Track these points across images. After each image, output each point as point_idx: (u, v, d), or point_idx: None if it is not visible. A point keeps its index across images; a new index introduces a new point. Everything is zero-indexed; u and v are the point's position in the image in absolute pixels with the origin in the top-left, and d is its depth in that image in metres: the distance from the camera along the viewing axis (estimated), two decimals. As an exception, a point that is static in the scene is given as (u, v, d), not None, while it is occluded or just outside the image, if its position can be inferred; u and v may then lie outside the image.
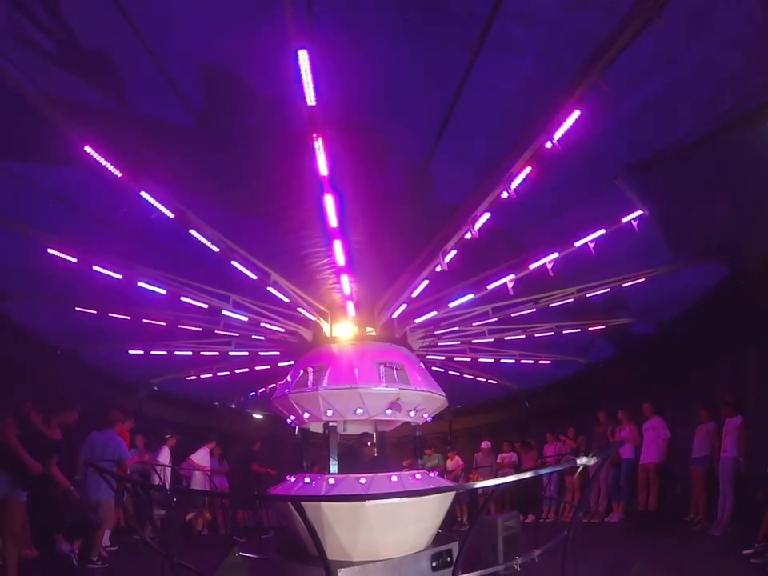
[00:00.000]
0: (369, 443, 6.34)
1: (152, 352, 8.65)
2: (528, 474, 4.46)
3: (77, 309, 7.15)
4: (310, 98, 3.66)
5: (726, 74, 4.02)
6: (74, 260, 5.71)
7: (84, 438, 7.72)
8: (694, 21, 3.58)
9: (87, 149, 4.25)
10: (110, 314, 7.31)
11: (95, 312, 7.22)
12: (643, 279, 6.89)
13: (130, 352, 8.72)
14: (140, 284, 6.24)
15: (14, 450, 5.19)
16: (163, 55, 3.69)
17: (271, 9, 3.28)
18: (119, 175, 4.52)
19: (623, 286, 7.04)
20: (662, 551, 6.76)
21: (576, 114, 4.08)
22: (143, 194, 4.81)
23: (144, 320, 7.51)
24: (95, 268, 5.89)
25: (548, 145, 4.31)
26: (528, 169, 4.58)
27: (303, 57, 3.43)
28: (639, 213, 5.41)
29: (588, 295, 7.17)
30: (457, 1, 3.48)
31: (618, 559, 6.43)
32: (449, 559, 5.61)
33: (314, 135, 3.99)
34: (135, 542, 8.73)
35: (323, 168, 4.26)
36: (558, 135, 4.24)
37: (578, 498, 9.66)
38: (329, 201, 4.58)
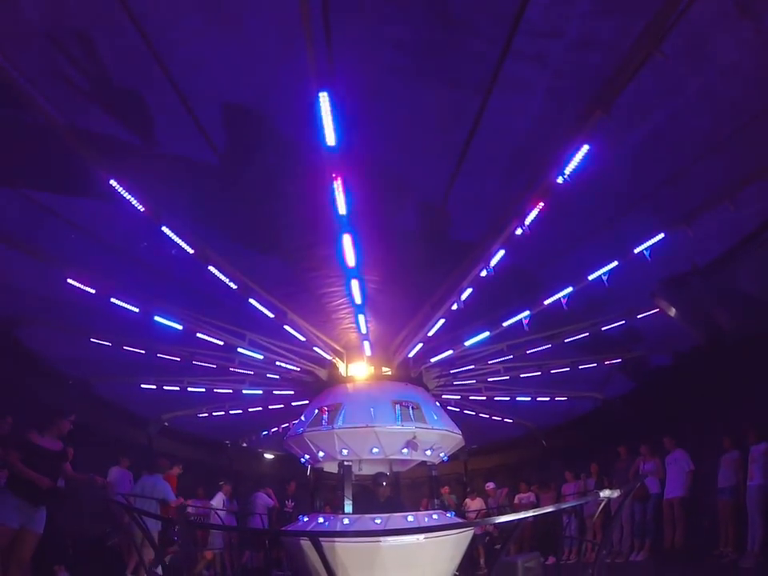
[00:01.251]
0: (384, 483, 6.24)
1: (165, 387, 8.66)
2: (549, 509, 4.37)
3: (92, 339, 7.19)
4: (330, 139, 3.75)
5: (726, 101, 4.10)
6: (93, 291, 5.80)
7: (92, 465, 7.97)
8: (692, 52, 3.68)
9: (113, 182, 4.37)
10: (124, 347, 7.35)
11: (110, 344, 7.27)
12: (658, 310, 6.83)
13: (143, 386, 8.73)
14: (156, 318, 6.28)
15: (21, 472, 5.19)
16: (190, 95, 3.85)
17: (293, 52, 3.41)
18: (142, 209, 4.63)
19: (638, 317, 6.98)
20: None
21: (585, 148, 4.14)
22: (164, 228, 4.91)
23: (158, 354, 7.54)
24: (113, 300, 5.96)
25: (559, 180, 4.36)
26: (541, 205, 4.63)
27: (324, 99, 3.54)
28: (651, 242, 5.41)
29: (603, 329, 7.11)
30: (469, 44, 3.59)
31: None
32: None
33: (333, 175, 4.09)
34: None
35: (342, 207, 4.33)
36: (568, 170, 4.30)
37: (599, 537, 9.38)
38: (347, 240, 4.64)
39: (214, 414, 9.86)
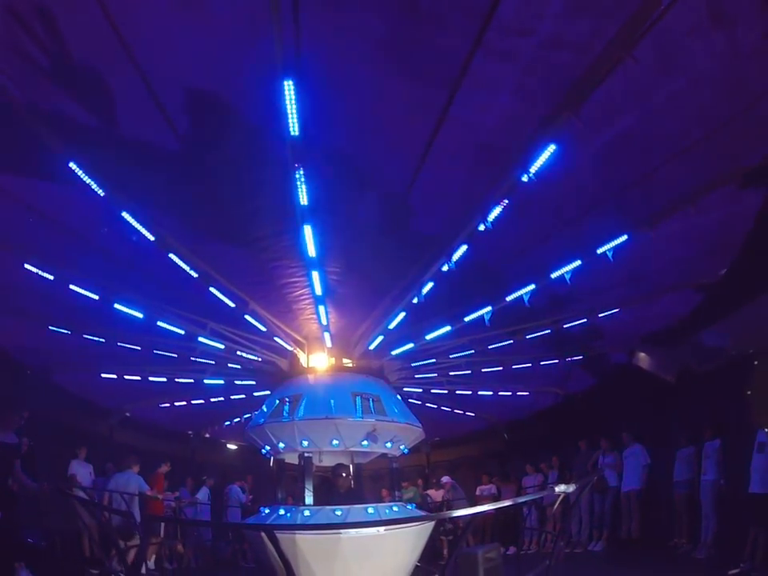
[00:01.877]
0: (344, 474, 6.24)
1: (126, 376, 8.48)
2: (508, 503, 4.42)
3: (50, 327, 6.99)
4: (294, 128, 3.70)
5: (695, 107, 4.17)
6: (51, 277, 5.63)
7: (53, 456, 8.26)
8: (663, 58, 3.73)
9: (72, 165, 4.23)
10: (84, 335, 7.16)
11: (69, 332, 7.07)
12: (617, 309, 6.98)
13: (103, 375, 8.55)
14: (117, 306, 6.13)
15: None
16: (153, 78, 3.72)
17: (261, 39, 3.34)
18: (102, 194, 4.50)
19: (599, 316, 7.12)
20: (649, 576, 6.74)
21: (552, 148, 4.17)
22: (125, 214, 4.78)
23: (119, 343, 7.37)
24: (72, 287, 5.80)
25: (524, 178, 4.39)
26: (505, 201, 4.65)
27: (289, 87, 3.48)
28: (614, 243, 5.50)
29: (565, 326, 7.22)
30: (439, 38, 3.56)
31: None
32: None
33: (296, 165, 4.03)
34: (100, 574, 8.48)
35: (304, 198, 4.27)
36: (534, 169, 4.33)
37: (558, 527, 9.59)
38: (308, 231, 4.59)
39: (175, 404, 9.71)
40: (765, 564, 5.95)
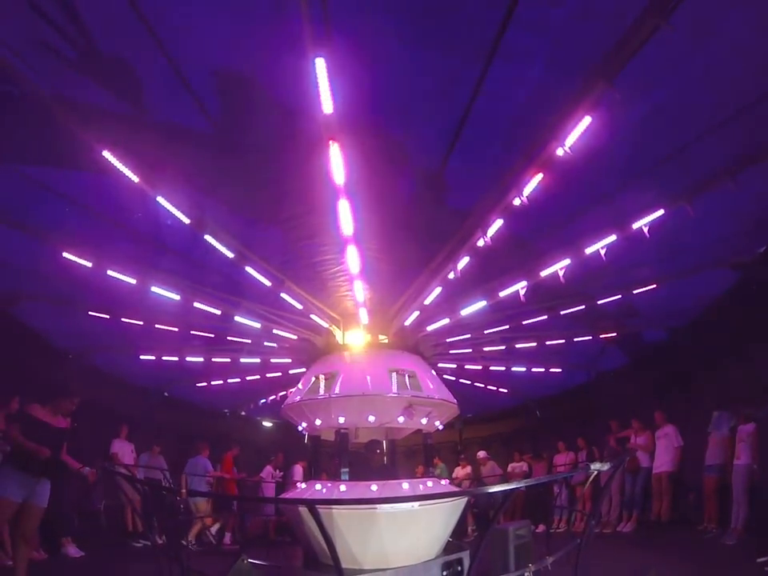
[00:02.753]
0: (378, 451, 6.33)
1: (163, 358, 8.70)
2: (542, 479, 4.41)
3: (89, 313, 7.19)
4: (327, 106, 3.68)
5: (730, 80, 4.06)
6: (89, 264, 5.77)
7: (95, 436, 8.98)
8: (697, 28, 3.61)
9: (105, 153, 4.30)
10: (122, 319, 7.34)
11: (108, 316, 7.26)
12: (654, 286, 6.86)
13: (142, 357, 8.77)
14: (153, 289, 6.27)
15: (20, 444, 5.26)
16: (181, 61, 3.76)
17: (288, 17, 3.33)
18: (136, 180, 4.58)
19: (634, 292, 7.01)
20: (676, 560, 6.69)
21: (587, 120, 4.09)
22: (159, 198, 4.86)
23: (156, 325, 7.55)
24: (109, 272, 5.93)
25: (559, 152, 4.33)
26: (540, 176, 4.60)
27: (320, 64, 3.46)
28: (650, 218, 5.40)
29: (599, 302, 7.14)
30: (469, 10, 3.52)
31: (630, 568, 6.38)
32: (459, 568, 5.59)
33: (330, 142, 4.02)
34: (142, 547, 8.84)
35: (338, 175, 4.28)
36: (569, 142, 4.26)
37: (589, 507, 9.58)
38: (343, 207, 4.61)
39: (212, 383, 9.94)
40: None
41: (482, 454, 12.04)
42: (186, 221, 5.19)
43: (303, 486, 6.48)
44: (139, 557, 8.35)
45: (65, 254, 5.62)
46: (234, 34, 3.60)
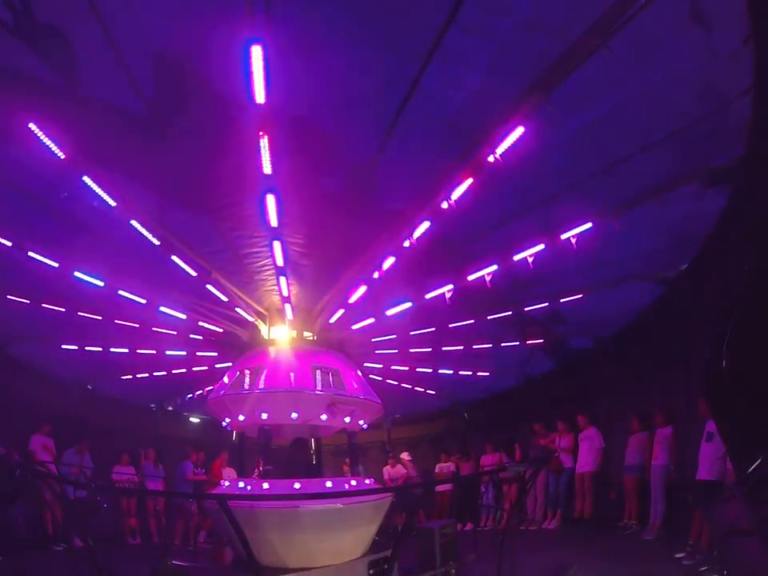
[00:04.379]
0: (304, 449, 6.28)
1: (86, 348, 8.31)
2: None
3: (8, 297, 6.76)
4: (260, 95, 3.64)
5: (668, 102, 4.25)
6: (9, 244, 5.45)
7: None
8: (640, 51, 3.78)
9: (32, 126, 4.06)
10: (43, 305, 6.95)
11: (28, 301, 6.85)
12: (580, 295, 7.13)
13: (63, 347, 8.35)
14: (77, 274, 5.98)
15: None
16: (119, 38, 3.59)
17: (230, 2, 3.28)
18: (63, 157, 4.34)
19: (561, 301, 7.26)
20: (598, 554, 7.01)
21: (520, 130, 4.19)
22: (86, 178, 4.64)
23: (79, 313, 7.18)
24: (30, 254, 5.62)
25: (490, 158, 4.41)
26: (469, 180, 4.67)
27: (256, 53, 3.40)
28: (579, 230, 5.58)
29: (526, 309, 7.35)
30: (412, 10, 3.54)
31: (554, 562, 6.60)
32: (386, 567, 5.60)
33: (261, 133, 3.97)
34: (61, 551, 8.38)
35: (267, 166, 4.23)
36: (500, 149, 4.35)
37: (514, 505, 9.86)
38: (270, 200, 4.54)
39: (137, 376, 9.58)
40: (709, 548, 6.18)
41: (405, 454, 12.22)
42: (113, 204, 4.96)
43: (227, 483, 6.36)
44: (59, 560, 7.88)
45: (-19, 232, 5.27)
46: (175, 16, 3.47)
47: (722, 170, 4.97)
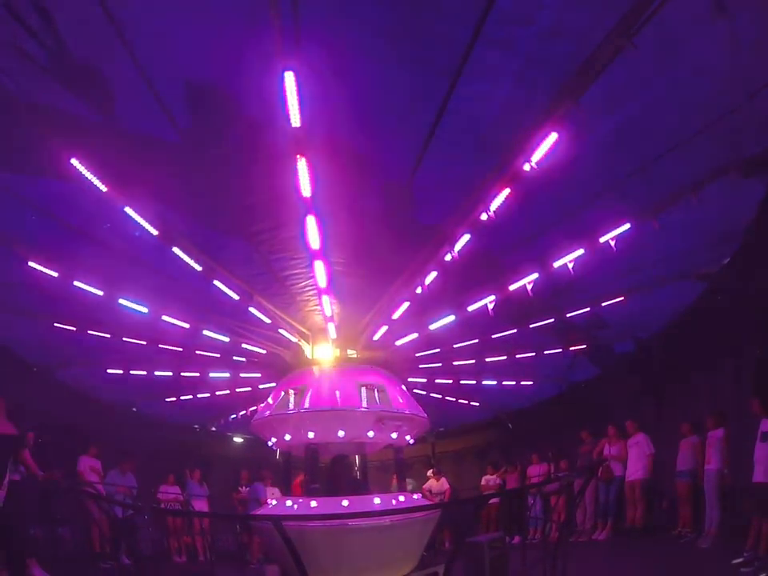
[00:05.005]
0: (350, 466, 6.29)
1: (131, 372, 8.50)
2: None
3: (55, 325, 6.99)
4: (295, 119, 3.69)
5: (695, 98, 4.18)
6: (55, 274, 5.63)
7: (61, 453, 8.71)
8: (664, 48, 3.72)
9: (74, 161, 4.21)
10: (89, 332, 7.15)
11: (74, 329, 7.06)
12: (622, 298, 6.98)
13: (109, 371, 8.56)
14: (121, 301, 6.14)
15: None
16: (152, 71, 3.71)
17: (260, 30, 3.33)
18: (104, 190, 4.49)
19: (603, 305, 7.12)
20: (652, 565, 6.80)
21: (553, 136, 4.14)
22: (127, 209, 4.78)
23: (124, 338, 7.37)
24: (76, 283, 5.80)
25: (526, 167, 4.38)
26: (507, 191, 4.64)
27: (289, 78, 3.46)
28: (617, 232, 5.49)
29: (568, 315, 7.23)
30: (438, 28, 3.55)
31: (608, 575, 6.43)
32: (440, 583, 5.54)
33: (298, 156, 4.03)
34: (109, 569, 8.56)
35: (306, 189, 4.29)
36: (535, 158, 4.32)
37: (563, 517, 9.64)
38: (311, 222, 4.60)
39: (181, 398, 9.75)
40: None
41: (430, 473, 12.16)
42: (154, 232, 5.10)
43: (274, 502, 6.39)
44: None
45: (30, 263, 5.47)
46: (206, 45, 3.57)
47: (757, 160, 4.82)
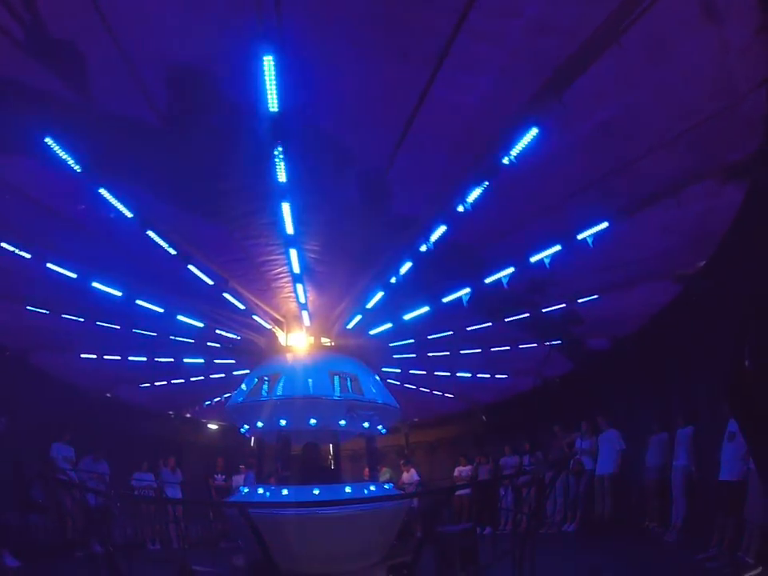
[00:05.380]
0: (315, 453, 6.29)
1: (105, 357, 8.41)
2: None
3: (28, 308, 6.87)
4: (273, 105, 3.67)
5: (681, 100, 4.20)
6: (28, 256, 5.53)
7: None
8: (652, 49, 3.73)
9: (48, 140, 4.13)
10: (62, 315, 7.06)
11: (47, 312, 6.96)
12: (596, 296, 7.06)
13: (83, 356, 8.46)
14: (95, 284, 6.06)
15: None
16: (131, 51, 3.63)
17: (241, 13, 3.29)
18: (79, 170, 4.42)
19: (578, 302, 7.19)
20: (619, 557, 6.96)
21: (534, 131, 4.17)
22: (102, 190, 4.71)
23: (98, 322, 7.28)
24: (49, 265, 5.71)
25: (505, 161, 4.39)
26: (485, 184, 4.66)
27: (269, 63, 3.44)
28: (595, 230, 5.54)
29: (544, 310, 7.29)
30: (422, 17, 3.52)
31: (576, 566, 6.54)
32: (405, 572, 5.59)
33: (275, 142, 4.01)
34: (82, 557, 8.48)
35: (282, 175, 4.26)
36: (515, 152, 4.33)
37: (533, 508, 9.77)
38: (286, 208, 4.56)
39: (156, 383, 9.67)
40: (731, 550, 6.12)
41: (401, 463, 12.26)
42: (129, 214, 5.03)
43: (246, 490, 6.38)
44: (80, 566, 7.98)
45: (2, 244, 5.36)
46: (187, 28, 3.50)
47: (738, 166, 4.88)
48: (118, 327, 7.40)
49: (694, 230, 5.93)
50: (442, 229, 5.20)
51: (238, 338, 6.97)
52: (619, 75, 3.89)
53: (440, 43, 3.64)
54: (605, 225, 5.46)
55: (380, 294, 6.16)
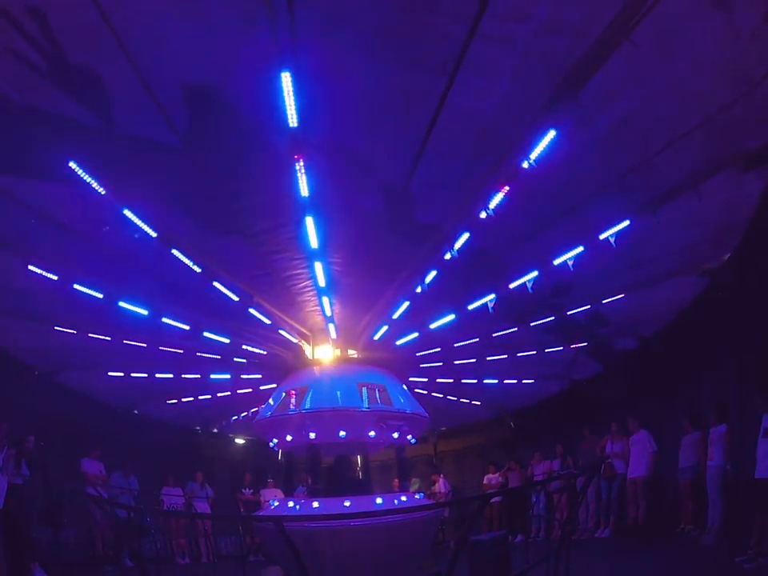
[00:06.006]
0: (346, 465, 6.28)
1: (132, 374, 8.51)
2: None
3: (55, 328, 6.99)
4: (292, 120, 3.70)
5: (694, 91, 4.15)
6: (55, 278, 5.64)
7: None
8: (662, 42, 3.69)
9: (72, 165, 4.23)
10: (89, 335, 7.16)
11: (74, 332, 7.07)
12: (622, 295, 6.96)
13: (110, 374, 8.57)
14: (121, 304, 6.14)
15: None
16: (149, 74, 3.70)
17: (256, 31, 3.33)
18: (103, 192, 4.50)
19: (603, 302, 7.10)
20: (655, 563, 6.76)
21: (551, 133, 4.14)
22: (126, 212, 4.79)
23: (125, 341, 7.37)
24: (76, 286, 5.81)
25: (525, 164, 4.37)
26: (506, 188, 4.63)
27: (286, 79, 3.48)
28: (616, 229, 5.47)
29: (569, 313, 7.20)
30: (435, 25, 3.54)
31: (611, 573, 6.40)
32: (443, 582, 5.53)
33: (296, 157, 4.03)
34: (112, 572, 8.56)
35: (304, 189, 4.28)
36: (534, 155, 4.30)
37: (566, 515, 9.62)
38: (309, 222, 4.59)
39: (182, 400, 9.76)
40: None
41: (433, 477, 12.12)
42: (153, 234, 5.11)
43: (276, 503, 6.39)
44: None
45: (30, 267, 5.48)
46: (203, 48, 3.57)
47: (756, 153, 4.79)
48: (145, 345, 7.49)
49: (716, 221, 5.84)
50: (465, 236, 5.19)
51: (265, 352, 7.00)
52: (633, 70, 3.85)
53: (454, 50, 3.65)
54: (626, 223, 5.40)
55: (406, 304, 6.15)
